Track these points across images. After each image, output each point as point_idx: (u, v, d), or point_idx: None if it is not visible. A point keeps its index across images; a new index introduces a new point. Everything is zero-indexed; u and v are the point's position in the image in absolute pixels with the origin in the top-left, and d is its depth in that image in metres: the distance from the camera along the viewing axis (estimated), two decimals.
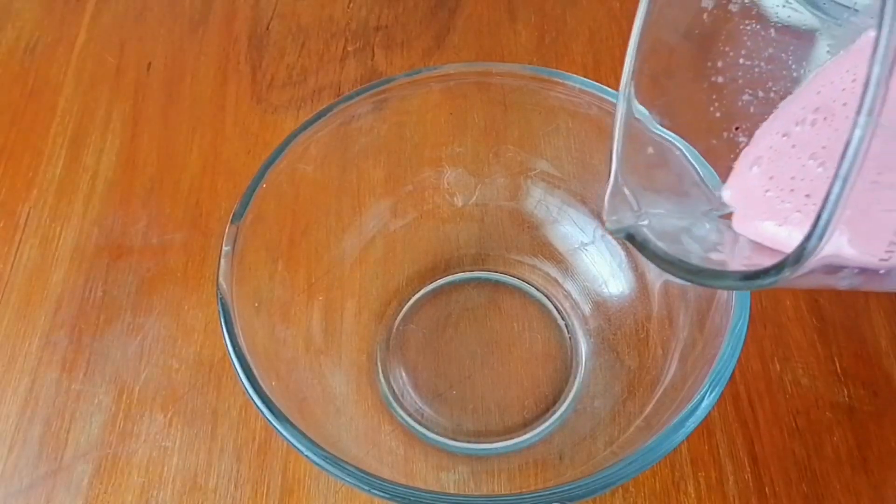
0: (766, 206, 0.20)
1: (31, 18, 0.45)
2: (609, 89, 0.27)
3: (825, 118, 0.20)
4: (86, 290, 0.35)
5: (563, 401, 0.31)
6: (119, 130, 0.40)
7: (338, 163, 0.30)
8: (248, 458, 0.30)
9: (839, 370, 0.31)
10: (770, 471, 0.29)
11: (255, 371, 0.22)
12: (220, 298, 0.23)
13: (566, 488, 0.20)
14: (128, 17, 0.45)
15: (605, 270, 0.32)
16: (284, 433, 0.21)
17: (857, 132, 0.12)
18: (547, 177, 0.32)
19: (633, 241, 0.22)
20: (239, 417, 0.31)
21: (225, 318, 0.23)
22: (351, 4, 0.45)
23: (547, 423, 0.30)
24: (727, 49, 0.22)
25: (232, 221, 0.25)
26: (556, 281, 0.34)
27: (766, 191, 0.21)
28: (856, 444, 0.30)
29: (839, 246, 0.13)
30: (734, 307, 0.23)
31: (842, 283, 0.16)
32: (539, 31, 0.43)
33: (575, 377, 0.31)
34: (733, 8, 0.22)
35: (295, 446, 0.21)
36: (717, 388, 0.21)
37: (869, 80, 0.12)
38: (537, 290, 0.34)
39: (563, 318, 0.33)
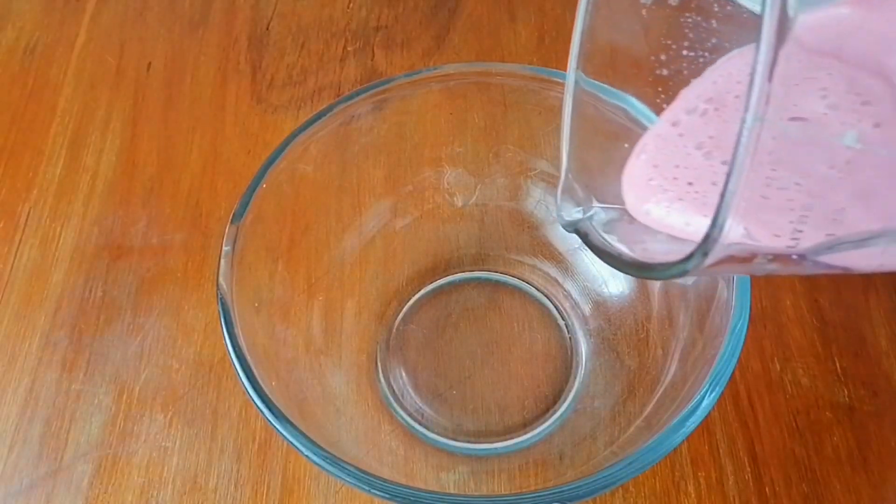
0: (650, 193, 0.21)
1: (31, 18, 0.45)
2: (608, 88, 0.27)
3: (716, 109, 0.20)
4: (86, 290, 0.35)
5: (563, 401, 0.31)
6: (119, 130, 0.40)
7: (338, 163, 0.30)
8: (248, 458, 0.30)
9: (839, 370, 0.31)
10: (770, 471, 0.29)
11: (255, 371, 0.22)
12: (220, 298, 0.23)
13: (566, 488, 0.20)
14: (128, 17, 0.45)
15: (605, 270, 0.32)
16: (284, 433, 0.21)
17: (745, 133, 0.12)
18: (547, 177, 0.32)
19: (579, 234, 0.22)
20: (239, 417, 0.31)
21: (225, 318, 0.23)
22: (351, 4, 0.45)
23: (547, 423, 0.30)
24: (669, 42, 0.22)
25: (232, 221, 0.25)
26: (556, 281, 0.34)
27: (650, 179, 0.21)
28: (856, 444, 0.30)
29: (741, 235, 0.14)
30: (734, 307, 0.22)
31: (758, 269, 0.16)
32: (539, 31, 0.43)
33: (575, 377, 0.31)
34: (672, 2, 0.22)
35: (295, 446, 0.21)
36: (717, 388, 0.21)
37: (753, 82, 0.12)
38: (537, 290, 0.34)
39: (563, 318, 0.33)
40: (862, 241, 0.15)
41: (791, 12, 0.13)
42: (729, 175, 0.13)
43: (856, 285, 0.33)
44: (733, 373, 0.22)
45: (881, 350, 0.32)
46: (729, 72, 0.21)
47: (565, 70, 0.28)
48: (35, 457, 0.31)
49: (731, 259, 0.15)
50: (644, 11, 0.22)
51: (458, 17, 0.44)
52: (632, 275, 0.19)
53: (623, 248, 0.20)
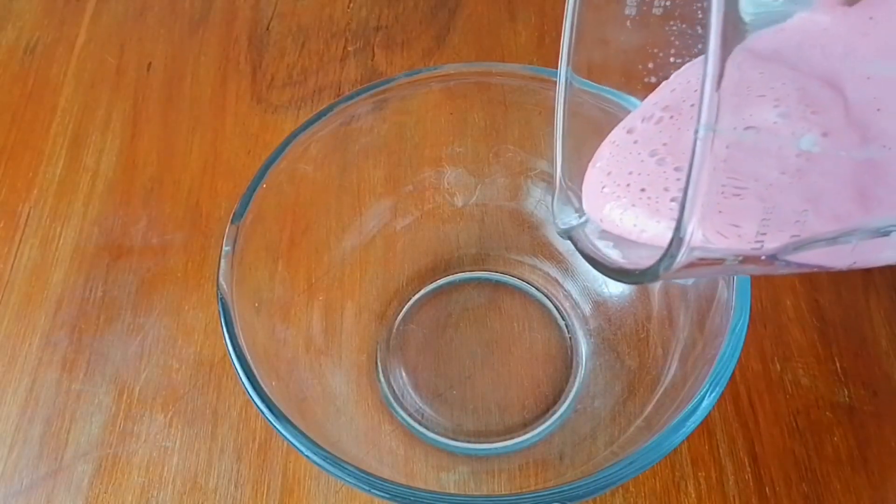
0: (604, 201, 0.21)
1: (31, 18, 0.45)
2: (608, 89, 0.27)
3: (672, 116, 0.21)
4: (86, 290, 0.35)
5: (564, 401, 0.31)
6: (119, 130, 0.40)
7: (338, 163, 0.30)
8: (249, 458, 0.30)
9: (839, 370, 0.31)
10: (770, 471, 0.29)
11: (255, 371, 0.22)
12: (221, 298, 0.23)
13: (566, 488, 0.20)
14: (128, 17, 0.45)
15: None
16: (284, 433, 0.21)
17: (699, 144, 0.13)
18: (547, 177, 0.32)
19: (571, 240, 0.23)
20: (239, 417, 0.31)
21: (225, 318, 0.23)
22: (351, 4, 0.45)
23: (547, 423, 0.30)
24: (656, 50, 0.22)
25: (232, 221, 0.25)
26: (557, 281, 0.34)
27: (603, 186, 0.21)
28: (856, 444, 0.30)
29: (705, 240, 0.14)
30: (734, 307, 0.22)
31: (732, 270, 0.17)
32: (539, 31, 0.43)
33: (575, 377, 0.31)
34: (657, 11, 0.22)
35: (295, 446, 0.21)
36: (717, 388, 0.21)
37: (703, 92, 0.13)
38: (537, 290, 0.34)
39: (563, 318, 0.33)
40: (829, 241, 0.15)
41: (746, 17, 0.13)
42: (686, 183, 0.13)
43: (856, 285, 0.33)
44: (733, 373, 0.22)
45: (881, 350, 0.32)
46: (688, 79, 0.21)
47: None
48: (35, 457, 0.31)
49: (701, 262, 0.15)
50: (628, 23, 0.22)
51: (458, 17, 0.44)
52: (617, 280, 0.20)
53: (614, 254, 0.21)
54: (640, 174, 0.20)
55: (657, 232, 0.19)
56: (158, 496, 0.30)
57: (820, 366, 0.31)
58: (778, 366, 0.31)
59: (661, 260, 0.15)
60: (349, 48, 0.43)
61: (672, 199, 0.19)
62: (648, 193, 0.19)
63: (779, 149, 0.15)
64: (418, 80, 0.28)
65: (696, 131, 0.13)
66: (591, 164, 0.22)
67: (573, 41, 0.23)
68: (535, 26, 0.43)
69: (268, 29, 0.44)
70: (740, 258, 0.15)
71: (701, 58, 0.21)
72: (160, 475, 0.30)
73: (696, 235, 0.14)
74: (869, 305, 0.33)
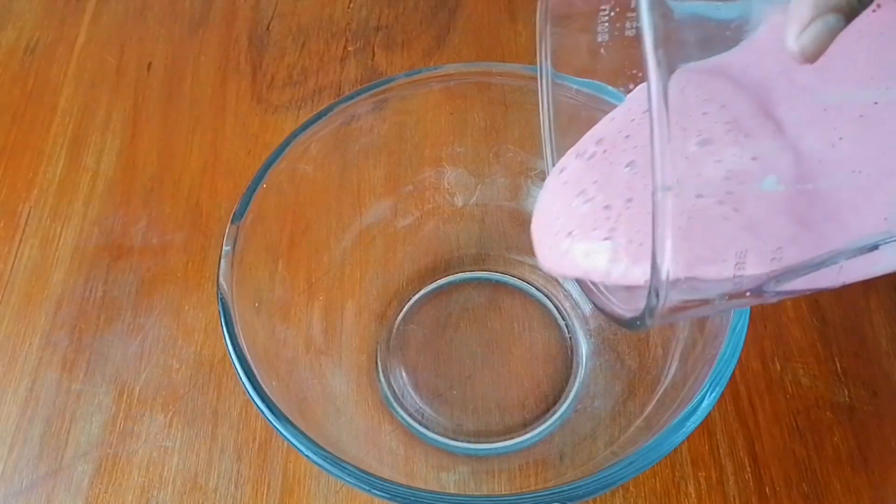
0: (540, 251, 0.21)
1: (31, 18, 0.45)
2: (608, 89, 0.27)
3: (605, 151, 0.20)
4: (86, 290, 0.35)
5: (564, 401, 0.31)
6: (119, 130, 0.40)
7: (338, 163, 0.30)
8: (249, 458, 0.30)
9: (839, 370, 0.31)
10: (770, 471, 0.29)
11: (255, 371, 0.22)
12: (221, 298, 0.23)
13: (566, 488, 0.20)
14: (128, 17, 0.45)
15: None
16: (285, 433, 0.21)
17: (658, 205, 0.13)
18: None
19: (578, 281, 0.22)
20: (239, 417, 0.31)
21: (225, 318, 0.23)
22: (351, 4, 0.45)
23: (547, 423, 0.30)
24: (635, 71, 0.22)
25: (232, 221, 0.25)
26: (557, 281, 0.34)
27: (539, 241, 0.21)
28: (856, 444, 0.30)
29: (678, 279, 0.14)
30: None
31: (721, 308, 0.17)
32: None
33: (575, 377, 0.31)
34: (630, 33, 0.22)
35: (295, 446, 0.21)
36: (717, 388, 0.21)
37: (654, 155, 0.13)
38: (538, 290, 0.34)
39: (563, 318, 0.33)
40: (814, 266, 0.15)
41: (690, 38, 0.13)
42: (654, 233, 0.13)
43: (856, 286, 0.33)
44: (733, 373, 0.22)
45: (881, 350, 0.32)
46: (628, 108, 0.21)
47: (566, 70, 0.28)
48: (35, 457, 0.31)
49: (686, 304, 0.15)
50: (602, 49, 0.22)
51: (458, 17, 0.44)
52: (617, 324, 0.19)
53: (614, 298, 0.20)
54: (567, 218, 0.20)
55: (600, 271, 0.18)
56: (158, 496, 0.30)
57: (820, 366, 0.31)
58: (778, 366, 0.31)
59: (644, 310, 0.15)
60: (349, 48, 0.43)
61: (606, 238, 0.18)
62: (576, 238, 0.19)
63: (734, 179, 0.15)
64: (418, 80, 0.28)
65: (654, 192, 0.13)
66: (533, 217, 0.22)
67: (550, 75, 0.23)
68: (536, 26, 0.43)
69: (268, 29, 0.44)
70: (725, 296, 0.15)
71: (642, 85, 0.21)
72: (160, 475, 0.30)
73: (672, 274, 0.14)
74: (869, 305, 0.33)
